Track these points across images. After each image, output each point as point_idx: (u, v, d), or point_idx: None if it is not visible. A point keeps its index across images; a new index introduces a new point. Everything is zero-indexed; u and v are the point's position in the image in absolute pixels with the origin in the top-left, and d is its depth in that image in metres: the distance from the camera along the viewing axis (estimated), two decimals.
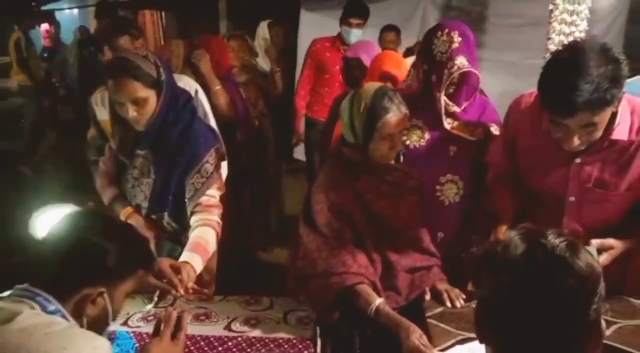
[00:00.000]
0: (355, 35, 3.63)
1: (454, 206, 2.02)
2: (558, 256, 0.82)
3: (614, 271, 1.73)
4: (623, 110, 1.57)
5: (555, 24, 3.16)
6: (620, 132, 1.58)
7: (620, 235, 1.68)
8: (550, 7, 3.24)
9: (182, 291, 1.67)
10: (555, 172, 1.70)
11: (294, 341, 1.60)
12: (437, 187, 2.01)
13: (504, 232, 1.76)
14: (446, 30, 1.92)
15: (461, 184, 2.01)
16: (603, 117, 1.48)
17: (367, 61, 2.79)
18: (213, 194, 1.93)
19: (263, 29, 4.55)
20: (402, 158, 2.01)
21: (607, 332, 1.59)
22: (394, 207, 1.78)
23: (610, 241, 1.64)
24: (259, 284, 2.09)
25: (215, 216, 1.92)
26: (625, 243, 1.67)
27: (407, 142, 2.00)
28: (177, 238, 1.95)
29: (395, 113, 1.69)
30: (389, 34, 4.03)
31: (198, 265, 1.78)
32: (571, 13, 3.16)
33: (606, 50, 1.45)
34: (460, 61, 1.88)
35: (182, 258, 1.78)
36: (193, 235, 1.86)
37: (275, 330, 1.66)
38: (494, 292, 0.86)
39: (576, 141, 1.52)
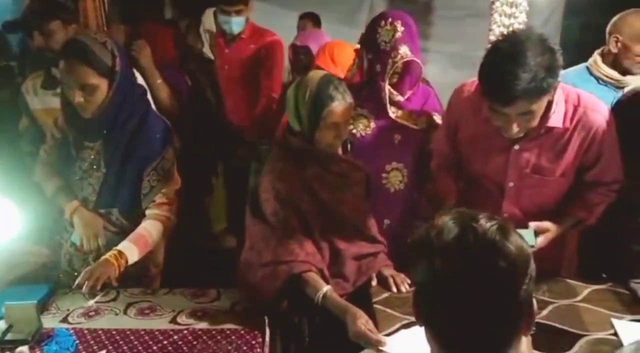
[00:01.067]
0: (237, 23, 3.09)
1: (399, 193, 2.05)
2: (489, 239, 0.83)
3: (552, 253, 1.82)
4: (558, 99, 1.63)
5: (496, 16, 3.26)
6: (556, 120, 1.64)
7: (556, 219, 1.75)
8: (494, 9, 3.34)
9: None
10: (494, 158, 1.75)
11: (242, 332, 1.58)
12: (383, 175, 2.04)
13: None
14: (389, 20, 1.94)
15: (406, 172, 2.04)
16: (540, 105, 1.54)
17: (315, 50, 2.77)
18: (167, 191, 1.89)
19: (209, 19, 4.43)
20: (349, 147, 2.02)
21: (544, 312, 1.67)
22: (339, 199, 1.78)
23: (547, 224, 1.71)
24: (209, 275, 2.04)
25: (166, 212, 1.88)
26: (561, 226, 1.74)
27: (354, 131, 2.02)
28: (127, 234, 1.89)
29: (340, 102, 1.69)
30: (306, 22, 3.97)
31: (133, 255, 1.76)
32: (511, 5, 3.26)
33: (543, 41, 1.50)
34: (404, 50, 1.90)
35: (119, 247, 1.76)
36: (139, 227, 1.84)
37: (222, 321, 1.64)
38: (428, 276, 0.87)
39: (515, 129, 1.57)
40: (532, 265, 0.86)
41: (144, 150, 1.84)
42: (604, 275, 1.90)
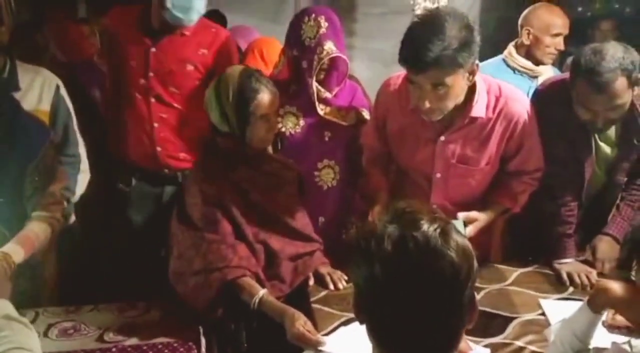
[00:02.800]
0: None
1: (332, 190, 2.04)
2: (431, 247, 0.81)
3: (480, 241, 1.85)
4: (480, 89, 1.67)
5: (417, 13, 3.32)
6: (479, 110, 1.68)
7: (484, 208, 1.80)
8: None
9: None
10: (422, 150, 1.77)
11: (175, 345, 1.52)
12: (315, 173, 2.02)
13: (379, 212, 1.81)
14: (313, 16, 1.92)
15: (338, 168, 2.03)
16: (454, 81, 1.54)
17: (243, 47, 2.71)
18: (53, 191, 1.75)
19: None
20: (279, 145, 1.99)
21: (477, 298, 1.71)
22: (271, 199, 1.75)
23: (475, 213, 1.75)
24: (138, 287, 1.93)
25: (53, 212, 1.73)
26: (488, 214, 1.79)
27: (283, 130, 1.98)
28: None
29: (265, 93, 1.66)
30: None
31: (19, 257, 1.61)
32: (432, 2, 3.33)
33: (462, 18, 1.54)
34: (329, 46, 1.89)
35: (3, 248, 1.60)
36: (25, 228, 1.67)
37: (154, 335, 1.56)
38: (368, 282, 0.84)
39: (427, 104, 1.57)
40: (475, 263, 0.85)
41: (21, 151, 1.68)
42: (529, 258, 1.98)
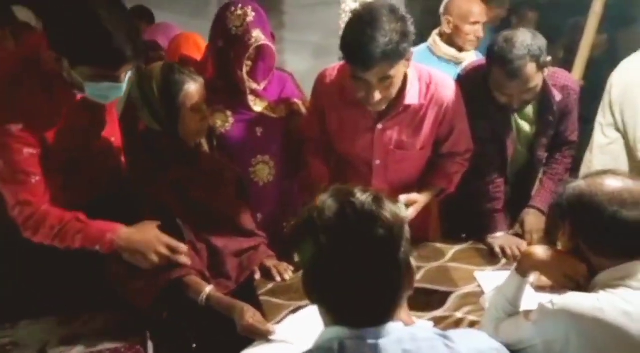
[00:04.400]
0: None
1: (269, 186, 2.04)
2: (367, 210, 0.89)
3: (419, 221, 1.93)
4: (412, 78, 1.74)
5: (344, 6, 3.37)
6: (412, 97, 1.75)
7: (421, 189, 1.88)
8: None
9: None
10: (361, 138, 1.83)
11: (123, 350, 1.49)
12: (250, 169, 2.00)
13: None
14: (239, 5, 1.89)
15: (272, 163, 2.03)
16: (397, 71, 1.62)
17: (165, 44, 2.66)
18: None
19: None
20: (215, 141, 1.97)
21: (417, 276, 1.76)
22: (212, 197, 1.74)
23: (414, 196, 1.83)
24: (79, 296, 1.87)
25: None
26: (426, 195, 1.88)
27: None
28: None
29: (191, 83, 1.64)
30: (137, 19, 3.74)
31: None
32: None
33: (395, 10, 1.60)
34: (257, 34, 1.86)
35: None
36: None
37: (99, 342, 1.53)
38: (315, 254, 0.91)
39: (377, 96, 1.63)
40: (407, 229, 0.93)
41: None
42: (464, 235, 2.09)
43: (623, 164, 2.47)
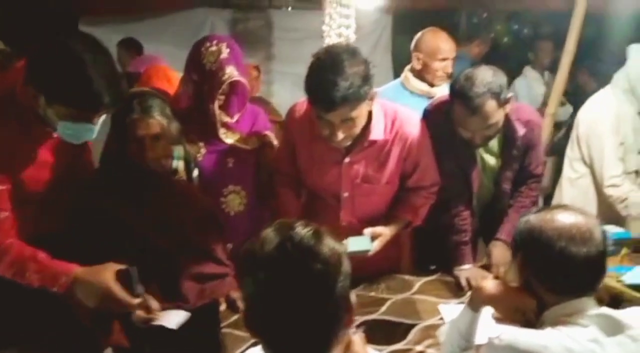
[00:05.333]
0: None
1: (240, 216, 2.06)
2: (305, 245, 0.91)
3: (389, 254, 1.97)
4: (377, 114, 1.79)
5: (328, 40, 3.45)
6: (377, 133, 1.79)
7: (387, 222, 1.91)
8: (325, 21, 3.52)
9: None
10: (330, 171, 1.87)
11: None
12: (221, 199, 2.03)
13: None
14: (214, 41, 1.95)
15: (244, 194, 2.06)
16: (359, 112, 1.67)
17: None
18: None
19: None
20: (195, 172, 2.00)
21: (383, 308, 1.80)
22: (181, 219, 1.75)
23: (380, 228, 1.85)
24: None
25: None
26: (392, 228, 1.90)
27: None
28: None
29: (140, 114, 1.66)
30: (120, 49, 3.86)
31: None
32: (341, 28, 3.47)
33: (356, 54, 1.66)
34: (230, 71, 1.92)
35: None
36: None
37: None
38: (254, 288, 0.93)
39: (340, 135, 1.68)
40: (346, 263, 0.95)
41: None
42: (432, 267, 2.11)
43: (592, 198, 2.52)
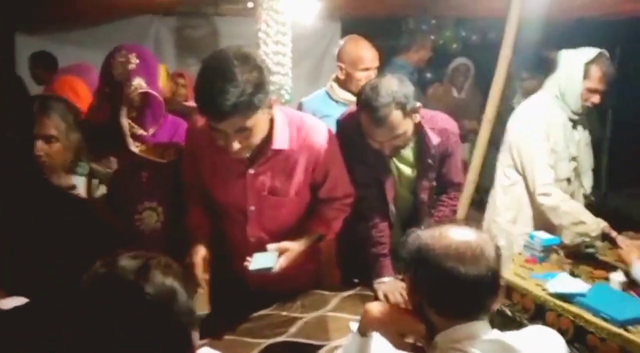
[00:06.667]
0: None
1: (155, 234, 1.96)
2: (128, 282, 0.86)
3: (308, 269, 1.89)
4: (281, 122, 1.69)
5: (265, 48, 3.36)
6: (281, 142, 1.70)
7: (298, 237, 1.80)
8: (262, 28, 3.44)
9: None
10: (234, 184, 1.77)
11: None
12: (136, 217, 1.93)
13: (200, 253, 1.76)
14: (123, 52, 1.88)
15: (161, 210, 1.96)
16: (255, 121, 1.56)
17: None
18: None
19: None
20: (102, 190, 1.90)
21: (292, 329, 1.71)
22: (72, 245, 1.65)
23: (286, 244, 1.74)
24: None
25: None
26: (301, 243, 1.79)
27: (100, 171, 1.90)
28: None
29: (41, 114, 1.64)
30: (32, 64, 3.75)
31: None
32: (276, 41, 3.39)
33: (250, 58, 1.53)
34: (138, 82, 1.85)
35: None
36: None
37: None
38: (79, 325, 0.87)
39: (236, 146, 1.57)
40: (179, 297, 0.88)
41: None
42: (356, 281, 2.03)
43: (525, 205, 2.49)
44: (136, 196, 1.94)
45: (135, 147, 1.91)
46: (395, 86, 1.72)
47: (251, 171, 1.73)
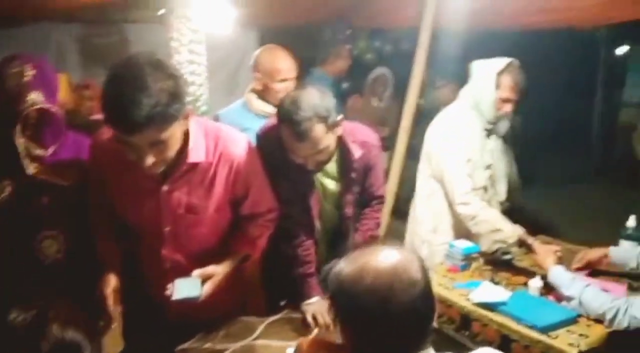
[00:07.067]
0: None
1: (56, 265, 1.76)
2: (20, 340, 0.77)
3: (231, 295, 1.77)
4: (196, 134, 1.58)
5: (178, 57, 3.20)
6: (197, 155, 1.58)
7: (221, 258, 1.68)
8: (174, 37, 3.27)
9: None
10: (147, 203, 1.62)
11: None
12: (34, 246, 1.73)
13: (110, 284, 1.62)
14: (17, 62, 1.68)
15: (62, 238, 1.77)
16: (171, 134, 1.44)
17: None
18: None
19: None
20: None
21: None
22: None
23: (210, 269, 1.63)
24: None
25: None
26: (226, 265, 1.68)
27: None
28: None
29: None
30: None
31: None
32: (191, 50, 3.24)
33: (164, 66, 1.41)
34: (35, 96, 1.66)
35: None
36: None
37: None
38: None
39: (150, 160, 1.44)
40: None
41: None
42: (282, 303, 1.95)
43: (445, 215, 2.52)
44: (33, 222, 1.73)
45: (33, 169, 1.71)
46: (316, 99, 1.66)
47: (165, 188, 1.59)
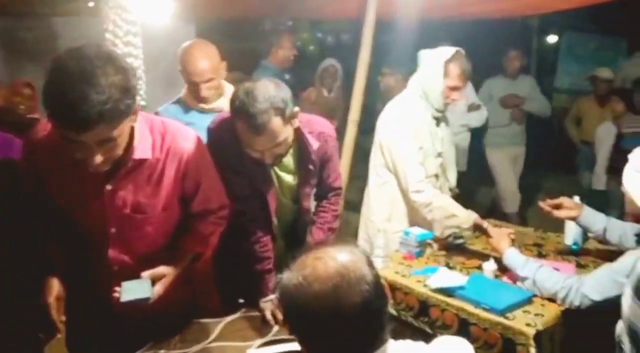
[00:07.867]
0: None
1: None
2: None
3: (182, 296, 1.68)
4: (142, 129, 1.48)
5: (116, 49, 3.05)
6: (143, 151, 1.48)
7: (171, 258, 1.59)
8: (109, 29, 3.10)
9: None
10: (90, 204, 1.51)
11: None
12: None
13: (54, 291, 1.52)
14: None
15: None
16: (122, 130, 1.34)
17: None
18: None
19: None
20: None
21: None
22: None
23: (161, 269, 1.54)
24: None
25: None
26: (177, 265, 1.59)
27: None
28: None
29: None
30: None
31: None
32: (127, 42, 3.08)
33: (115, 59, 1.31)
34: None
35: None
36: None
37: None
38: None
39: (98, 159, 1.34)
40: None
41: None
42: (241, 301, 1.88)
43: (399, 203, 2.52)
44: None
45: None
46: (272, 91, 1.59)
47: (108, 187, 1.48)
